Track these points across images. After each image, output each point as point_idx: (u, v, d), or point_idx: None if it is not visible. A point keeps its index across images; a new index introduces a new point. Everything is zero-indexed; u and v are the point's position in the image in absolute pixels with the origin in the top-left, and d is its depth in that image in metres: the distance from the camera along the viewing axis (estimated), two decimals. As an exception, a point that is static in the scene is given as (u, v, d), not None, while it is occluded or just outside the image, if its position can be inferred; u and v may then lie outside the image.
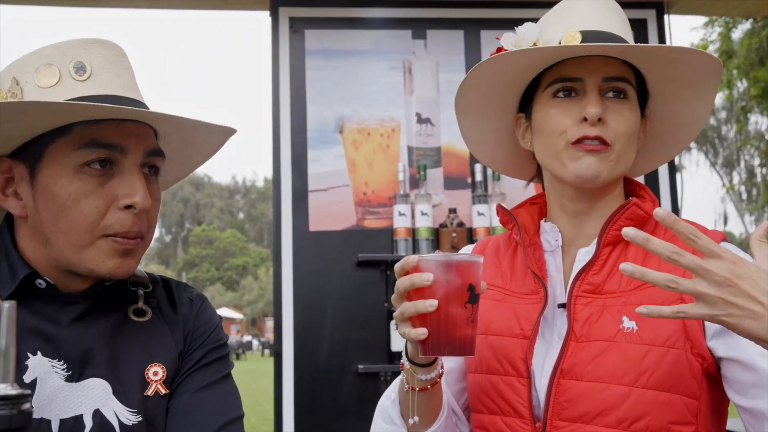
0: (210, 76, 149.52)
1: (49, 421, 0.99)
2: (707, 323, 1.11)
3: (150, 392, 1.07)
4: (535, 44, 1.23)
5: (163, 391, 1.08)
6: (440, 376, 1.19)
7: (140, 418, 1.04)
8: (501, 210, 1.33)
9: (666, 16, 3.50)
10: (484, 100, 1.34)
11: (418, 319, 1.07)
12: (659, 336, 1.11)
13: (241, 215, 78.07)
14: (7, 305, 0.61)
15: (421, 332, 1.06)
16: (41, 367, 1.00)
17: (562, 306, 1.21)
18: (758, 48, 15.33)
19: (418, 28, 3.40)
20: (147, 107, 1.11)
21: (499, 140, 1.41)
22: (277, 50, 3.34)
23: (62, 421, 0.99)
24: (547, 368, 1.19)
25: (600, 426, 1.11)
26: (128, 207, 1.05)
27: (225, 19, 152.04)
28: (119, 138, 1.05)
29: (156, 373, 1.09)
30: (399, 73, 3.32)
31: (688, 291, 0.91)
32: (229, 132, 1.19)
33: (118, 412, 1.03)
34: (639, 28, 3.49)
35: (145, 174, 1.10)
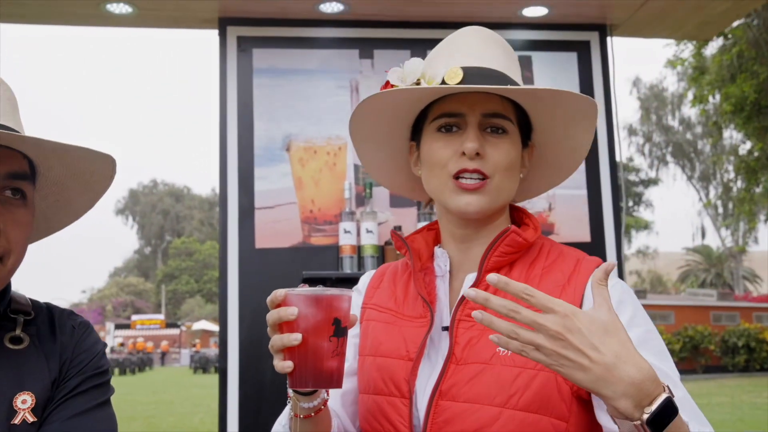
0: (164, 94, 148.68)
1: None
2: None
3: (17, 420, 1.06)
4: (419, 80, 1.28)
5: (30, 419, 1.08)
6: (324, 403, 1.21)
7: None
8: (394, 236, 1.37)
9: (609, 39, 3.57)
10: (378, 130, 1.38)
11: (286, 352, 1.10)
12: (530, 360, 1.15)
13: (221, 227, 77.49)
14: None
15: (287, 365, 1.09)
16: None
17: (447, 329, 1.25)
18: (729, 65, 15.59)
19: (366, 47, 3.45)
20: (15, 131, 1.11)
21: (397, 165, 1.46)
22: (225, 68, 3.37)
23: None
24: (429, 389, 1.22)
25: None
26: None
27: (173, 39, 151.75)
28: None
29: (24, 401, 1.08)
30: (346, 91, 3.36)
31: (527, 341, 0.95)
32: (107, 160, 1.19)
33: None
34: (582, 50, 3.56)
35: (8, 197, 1.10)
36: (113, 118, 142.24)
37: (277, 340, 1.11)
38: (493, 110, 1.26)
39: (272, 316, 1.11)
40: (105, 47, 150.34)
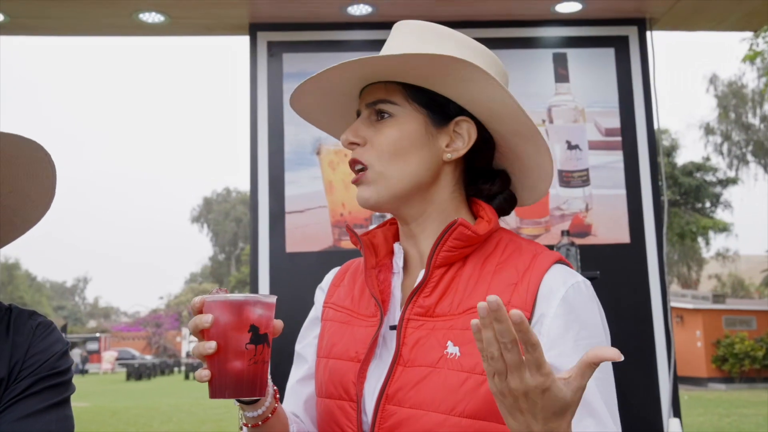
0: (198, 99, 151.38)
1: None
2: None
3: None
4: None
5: None
6: (273, 411, 1.17)
7: None
8: (348, 230, 1.32)
9: (648, 33, 3.44)
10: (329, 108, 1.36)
11: (206, 360, 1.07)
12: (479, 363, 1.09)
13: (293, 234, 78.64)
14: None
15: (204, 374, 1.06)
16: None
17: (395, 328, 1.20)
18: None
19: (395, 49, 3.41)
20: None
21: None
22: (255, 73, 3.40)
23: None
24: (377, 393, 1.17)
25: None
26: None
27: (204, 45, 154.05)
28: None
29: None
30: (376, 94, 3.33)
31: (496, 370, 0.89)
32: (30, 144, 1.15)
33: None
34: (620, 45, 3.44)
35: None
36: (167, 128, 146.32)
37: (195, 348, 1.08)
38: (376, 98, 1.22)
39: (191, 324, 1.08)
40: (141, 57, 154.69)
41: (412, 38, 1.24)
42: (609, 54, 3.43)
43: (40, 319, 1.25)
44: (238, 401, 1.15)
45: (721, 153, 38.44)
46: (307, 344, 1.37)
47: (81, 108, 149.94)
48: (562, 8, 3.34)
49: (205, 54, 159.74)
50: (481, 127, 1.23)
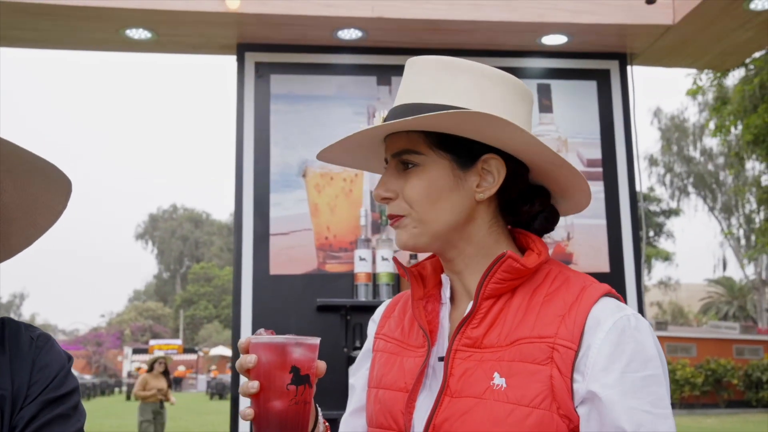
0: (181, 119, 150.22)
1: None
2: (575, 386, 1.10)
3: None
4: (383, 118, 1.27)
5: None
6: None
7: None
8: (396, 262, 1.33)
9: (629, 67, 3.54)
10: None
11: (251, 399, 1.09)
12: (525, 396, 1.10)
13: (240, 253, 77.80)
14: None
15: (248, 413, 1.08)
16: None
17: (443, 359, 1.21)
18: (751, 95, 15.47)
19: (383, 74, 3.44)
20: None
21: None
22: (242, 94, 3.38)
23: None
24: (424, 423, 1.18)
25: None
26: None
27: (190, 64, 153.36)
28: None
29: None
30: (363, 118, 3.35)
31: None
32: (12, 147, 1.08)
33: None
34: (602, 78, 3.53)
35: None
36: (131, 143, 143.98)
37: (240, 387, 1.10)
38: (399, 148, 1.24)
39: (237, 363, 1.11)
40: (122, 73, 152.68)
41: (426, 79, 1.25)
42: (591, 86, 3.52)
43: (37, 331, 1.20)
44: None
45: (664, 184, 39.54)
46: (359, 376, 1.39)
47: (42, 118, 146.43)
48: (548, 40, 3.41)
49: (193, 73, 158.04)
50: (509, 158, 1.24)
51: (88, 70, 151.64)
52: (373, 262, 3.25)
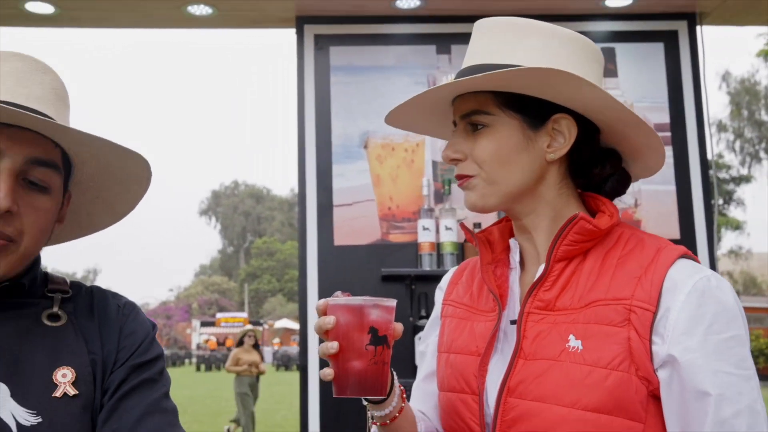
0: (242, 95, 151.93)
1: None
2: (654, 348, 1.08)
3: (58, 394, 1.07)
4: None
5: (72, 392, 1.08)
6: (400, 411, 1.20)
7: (40, 419, 1.04)
8: (464, 228, 1.33)
9: (698, 28, 3.42)
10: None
11: (329, 360, 1.12)
12: (602, 357, 1.09)
13: (301, 227, 78.83)
14: None
15: (327, 373, 1.11)
16: None
17: (515, 322, 1.20)
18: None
19: (443, 43, 3.41)
20: (50, 118, 1.10)
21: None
22: (303, 67, 3.39)
23: None
24: (498, 385, 1.18)
25: None
26: None
27: (249, 40, 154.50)
28: None
29: (65, 375, 1.08)
30: (423, 87, 3.32)
31: None
32: (139, 159, 1.17)
33: (15, 413, 1.03)
34: (670, 40, 3.42)
35: (30, 182, 1.10)
36: (193, 121, 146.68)
37: (319, 348, 1.13)
38: (468, 109, 1.22)
39: (315, 325, 1.13)
40: (182, 51, 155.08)
41: (495, 40, 1.23)
42: (658, 49, 3.41)
43: (123, 299, 1.25)
44: (367, 401, 1.19)
45: (734, 150, 38.26)
46: (429, 342, 1.40)
47: (98, 100, 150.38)
48: (612, 2, 3.32)
49: (252, 48, 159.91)
50: (580, 118, 1.22)
51: (148, 49, 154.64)
52: (437, 231, 3.25)
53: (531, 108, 1.21)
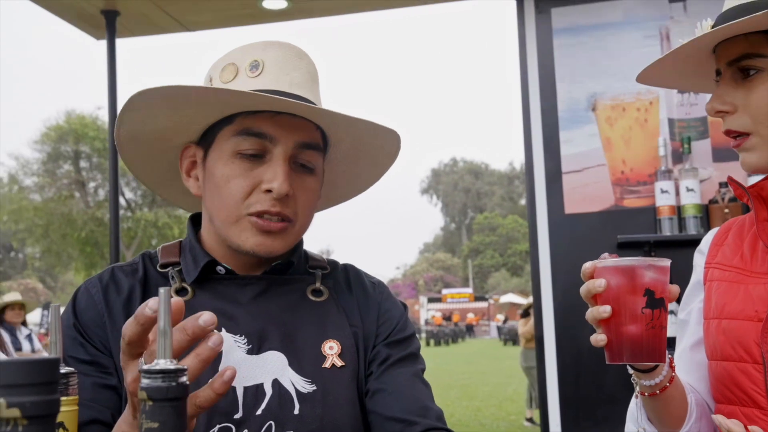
0: (454, 69, 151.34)
1: (234, 389, 1.08)
2: None
3: (327, 365, 1.14)
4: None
5: (339, 363, 1.15)
6: (671, 380, 1.12)
7: (315, 387, 1.12)
8: (732, 183, 1.21)
9: None
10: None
11: (600, 325, 1.06)
12: None
13: (522, 201, 78.32)
14: (163, 290, 0.68)
15: (600, 338, 1.06)
16: (225, 342, 1.10)
17: None
18: None
19: (675, -10, 3.16)
20: (314, 104, 1.16)
21: None
22: (524, 32, 3.31)
23: (246, 389, 1.09)
24: None
25: None
26: (269, 191, 1.12)
27: (461, 10, 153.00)
28: (271, 128, 1.13)
29: (332, 347, 1.16)
30: (655, 41, 3.10)
31: None
32: (393, 135, 1.23)
33: (294, 381, 1.11)
34: None
35: (299, 165, 1.17)
36: (409, 99, 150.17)
37: (589, 313, 1.07)
38: (737, 54, 1.10)
39: (583, 289, 1.08)
40: (388, 29, 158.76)
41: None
42: None
43: (374, 278, 1.34)
44: (633, 369, 1.12)
45: None
46: (691, 310, 1.30)
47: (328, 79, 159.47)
48: None
49: (465, 24, 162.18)
50: None
51: (357, 31, 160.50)
52: (677, 194, 3.04)
53: None
